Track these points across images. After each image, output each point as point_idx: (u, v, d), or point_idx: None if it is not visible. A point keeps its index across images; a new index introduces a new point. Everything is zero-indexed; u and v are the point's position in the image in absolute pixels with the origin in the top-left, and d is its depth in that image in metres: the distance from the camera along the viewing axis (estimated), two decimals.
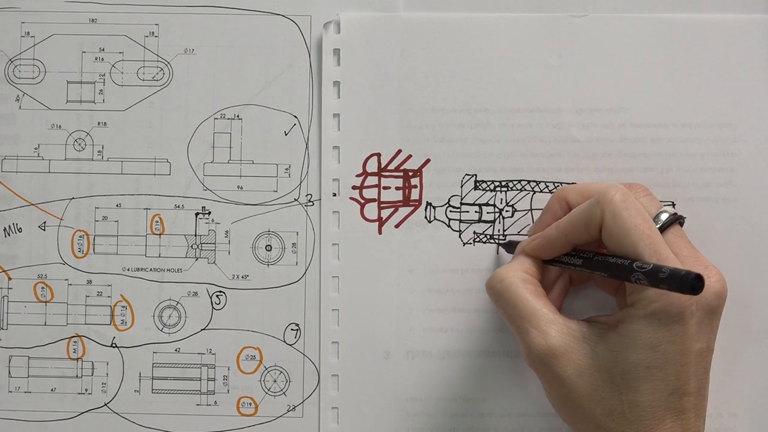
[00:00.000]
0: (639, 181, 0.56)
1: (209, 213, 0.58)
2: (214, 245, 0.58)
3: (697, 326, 0.47)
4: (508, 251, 0.56)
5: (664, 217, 0.50)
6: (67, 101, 0.59)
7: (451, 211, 0.58)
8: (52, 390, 0.58)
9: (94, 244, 0.59)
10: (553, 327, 0.49)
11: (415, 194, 0.58)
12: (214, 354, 0.58)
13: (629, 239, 0.47)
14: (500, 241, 0.57)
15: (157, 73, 0.59)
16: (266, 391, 0.58)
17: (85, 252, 0.58)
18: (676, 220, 0.51)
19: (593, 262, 0.49)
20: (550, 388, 0.50)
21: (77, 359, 0.58)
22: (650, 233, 0.47)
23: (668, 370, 0.46)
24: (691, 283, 0.43)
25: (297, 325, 0.58)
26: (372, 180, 0.58)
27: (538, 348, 0.49)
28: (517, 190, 0.57)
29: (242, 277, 0.58)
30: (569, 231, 0.50)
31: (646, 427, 0.47)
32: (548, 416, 0.57)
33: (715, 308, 0.49)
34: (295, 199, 0.58)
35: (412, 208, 0.58)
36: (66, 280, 0.58)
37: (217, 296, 0.58)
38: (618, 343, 0.47)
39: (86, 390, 0.58)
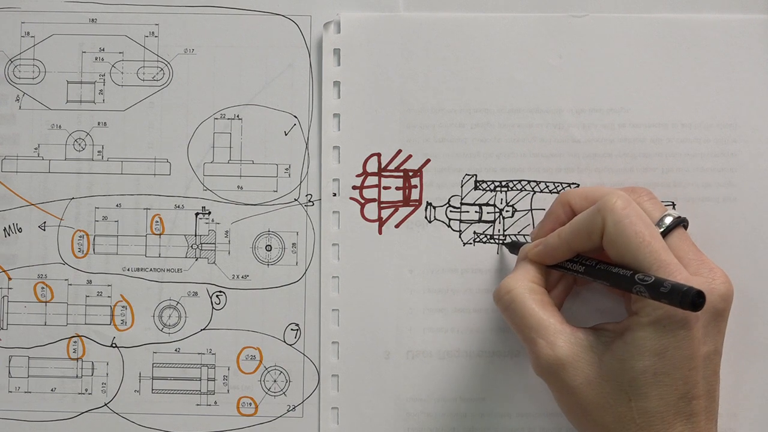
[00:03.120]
0: (639, 181, 0.56)
1: (209, 213, 0.58)
2: (214, 245, 0.58)
3: (703, 330, 0.47)
4: (511, 251, 0.56)
5: (668, 220, 0.50)
6: (67, 101, 0.59)
7: (451, 211, 0.58)
8: (52, 390, 0.58)
9: (94, 244, 0.59)
10: (561, 337, 0.49)
11: (415, 194, 0.58)
12: (214, 354, 0.58)
13: (630, 247, 0.47)
14: (503, 242, 0.57)
15: (157, 73, 0.59)
16: (266, 391, 0.58)
17: (85, 252, 0.58)
18: (680, 223, 0.51)
19: (596, 271, 0.49)
20: (560, 397, 0.50)
21: (77, 359, 0.58)
22: (651, 240, 0.47)
23: (676, 375, 0.46)
24: (692, 300, 0.43)
25: (297, 325, 0.58)
26: (372, 180, 0.58)
27: (547, 358, 0.49)
28: (518, 190, 0.57)
29: (242, 277, 0.58)
30: (571, 239, 0.50)
31: None
32: (548, 416, 0.57)
33: (722, 311, 0.48)
34: (295, 199, 0.58)
35: (413, 208, 0.58)
36: (66, 280, 0.58)
37: (217, 296, 0.58)
38: (624, 351, 0.47)
39: (86, 390, 0.58)
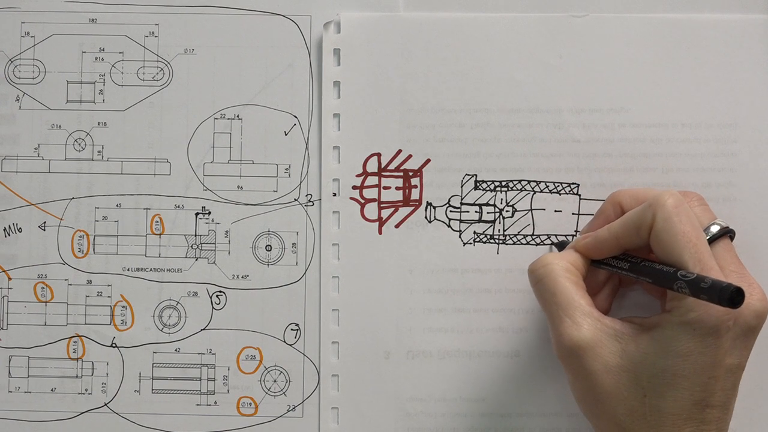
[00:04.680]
0: (639, 182, 0.56)
1: (209, 213, 0.58)
2: (214, 245, 0.58)
3: (731, 342, 0.47)
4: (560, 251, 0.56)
5: (714, 229, 0.50)
6: (67, 101, 0.59)
7: (451, 211, 0.58)
8: (52, 390, 0.58)
9: (94, 244, 0.59)
10: (588, 320, 0.49)
11: (415, 194, 0.58)
12: (214, 354, 0.58)
13: (676, 245, 0.47)
14: (553, 242, 0.57)
15: (157, 73, 0.59)
16: (266, 391, 0.58)
17: (85, 252, 0.58)
18: (727, 233, 0.51)
19: (640, 267, 0.49)
20: (575, 380, 0.50)
21: (77, 359, 0.58)
22: (697, 242, 0.47)
23: (695, 381, 0.46)
24: (731, 296, 0.43)
25: (297, 325, 0.58)
26: (372, 180, 0.58)
27: (570, 339, 0.48)
28: (518, 190, 0.57)
29: (242, 277, 0.58)
30: (620, 233, 0.50)
31: None
32: (548, 416, 0.57)
33: (754, 327, 0.48)
34: (295, 199, 0.58)
35: (413, 208, 0.58)
36: (66, 280, 0.58)
37: (217, 296, 0.58)
38: (649, 347, 0.47)
39: (86, 390, 0.58)
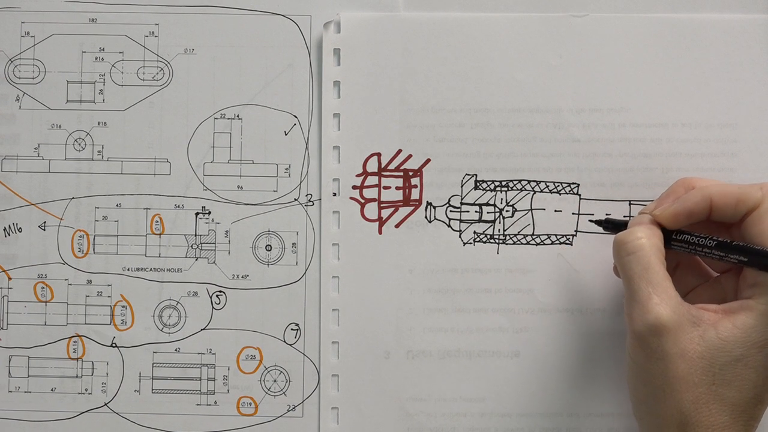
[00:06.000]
0: (639, 182, 0.57)
1: (209, 213, 0.58)
2: (214, 245, 0.58)
3: None
4: (606, 229, 0.55)
5: None
6: (67, 101, 0.59)
7: (451, 210, 0.58)
8: (52, 390, 0.58)
9: (94, 244, 0.59)
10: (672, 302, 0.48)
11: (415, 194, 0.58)
12: (214, 354, 0.58)
13: None
14: (592, 219, 0.56)
15: (157, 73, 0.59)
16: (266, 391, 0.58)
17: (85, 252, 0.58)
18: None
19: (731, 247, 0.49)
20: (647, 362, 0.48)
21: (77, 359, 0.58)
22: None
23: (762, 374, 0.47)
24: None
25: (297, 325, 0.58)
26: (372, 180, 0.58)
27: (656, 317, 0.48)
28: (518, 190, 0.57)
29: (242, 277, 0.58)
30: (717, 198, 0.50)
31: (719, 427, 0.47)
32: (549, 416, 0.57)
33: None
34: (295, 199, 0.58)
35: (413, 207, 0.58)
36: (66, 280, 0.58)
37: (217, 296, 0.58)
38: (730, 334, 0.47)
39: (86, 390, 0.58)
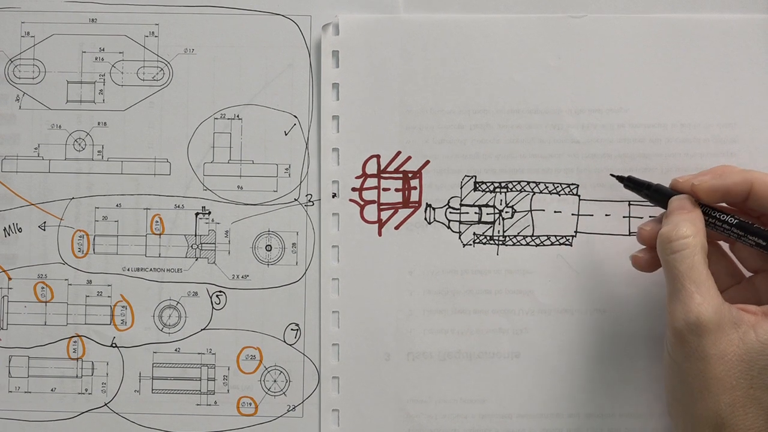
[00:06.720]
0: None
1: (209, 213, 0.58)
2: (214, 245, 0.58)
3: None
4: (627, 186, 0.54)
5: None
6: (67, 101, 0.59)
7: (450, 212, 0.58)
8: (52, 390, 0.58)
9: (94, 244, 0.59)
10: (715, 303, 0.48)
11: (414, 196, 0.58)
12: (214, 354, 0.58)
13: None
14: (614, 174, 0.55)
15: (157, 73, 0.59)
16: (266, 391, 0.58)
17: (85, 252, 0.59)
18: None
19: (752, 229, 0.50)
20: (686, 361, 0.48)
21: (77, 359, 0.58)
22: None
23: None
24: None
25: (297, 325, 0.58)
26: (372, 182, 0.58)
27: (698, 316, 0.47)
28: (517, 191, 0.57)
29: (242, 277, 0.58)
30: (758, 185, 0.50)
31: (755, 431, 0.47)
32: (549, 417, 0.57)
33: None
34: (295, 199, 0.58)
35: (412, 209, 0.58)
36: (66, 280, 0.59)
37: (217, 296, 0.58)
38: None
39: (86, 390, 0.58)
